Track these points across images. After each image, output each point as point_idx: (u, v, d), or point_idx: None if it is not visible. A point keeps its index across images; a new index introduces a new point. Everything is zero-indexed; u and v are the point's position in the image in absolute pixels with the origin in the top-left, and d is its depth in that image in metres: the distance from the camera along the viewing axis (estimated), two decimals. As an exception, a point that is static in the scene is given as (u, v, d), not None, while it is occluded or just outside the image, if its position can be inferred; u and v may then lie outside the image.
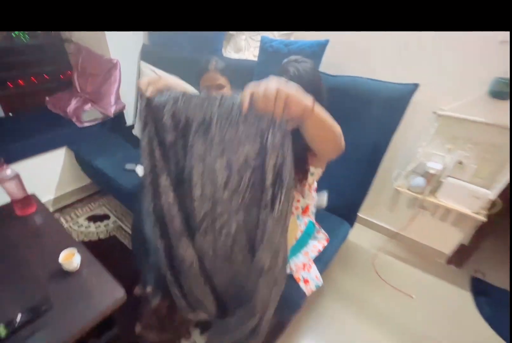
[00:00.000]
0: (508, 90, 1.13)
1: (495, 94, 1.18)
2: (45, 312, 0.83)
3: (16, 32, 1.91)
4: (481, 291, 1.49)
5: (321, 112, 0.64)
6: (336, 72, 1.37)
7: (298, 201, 1.07)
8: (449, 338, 1.27)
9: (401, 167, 1.51)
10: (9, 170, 1.12)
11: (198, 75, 1.19)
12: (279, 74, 0.87)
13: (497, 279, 1.57)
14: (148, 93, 0.71)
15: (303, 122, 0.64)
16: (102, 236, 1.72)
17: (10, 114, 2.03)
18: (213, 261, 0.82)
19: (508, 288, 1.51)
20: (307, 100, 0.59)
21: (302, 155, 0.91)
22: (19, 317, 0.80)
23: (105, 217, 1.89)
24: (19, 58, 2.04)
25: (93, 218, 1.87)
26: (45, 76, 2.19)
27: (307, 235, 1.11)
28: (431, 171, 1.37)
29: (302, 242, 1.09)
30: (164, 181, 0.76)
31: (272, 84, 0.55)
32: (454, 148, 1.34)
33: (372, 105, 1.20)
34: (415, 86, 1.12)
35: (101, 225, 1.82)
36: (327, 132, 0.69)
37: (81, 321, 0.82)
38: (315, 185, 1.10)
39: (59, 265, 0.93)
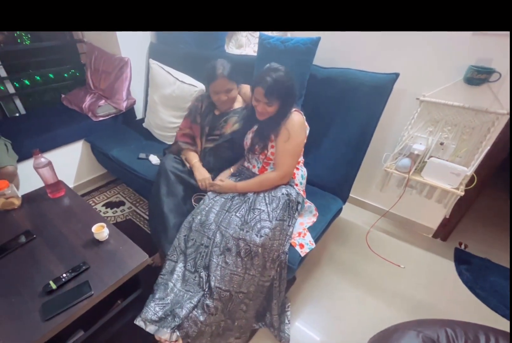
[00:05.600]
0: (480, 76, 1.26)
1: (469, 80, 1.30)
2: (84, 271, 1.01)
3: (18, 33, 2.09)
4: (462, 260, 1.64)
5: (244, 187, 1.25)
6: (328, 65, 1.52)
7: None
8: (433, 300, 1.44)
9: (390, 150, 1.66)
10: (43, 158, 1.29)
11: (208, 81, 1.30)
12: (258, 81, 1.13)
13: (478, 249, 1.73)
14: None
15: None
16: (119, 219, 1.90)
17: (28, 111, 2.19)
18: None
19: (487, 256, 1.67)
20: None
21: (268, 136, 1.22)
22: (64, 275, 0.98)
23: (121, 203, 2.06)
24: (36, 59, 2.21)
25: (110, 205, 2.05)
26: (59, 74, 2.35)
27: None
28: (416, 152, 1.51)
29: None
30: None
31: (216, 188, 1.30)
32: (435, 131, 1.48)
33: (359, 91, 1.34)
34: (396, 75, 1.27)
35: (118, 210, 2.00)
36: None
37: (114, 278, 1.00)
38: (301, 158, 1.28)
39: (92, 235, 1.11)
